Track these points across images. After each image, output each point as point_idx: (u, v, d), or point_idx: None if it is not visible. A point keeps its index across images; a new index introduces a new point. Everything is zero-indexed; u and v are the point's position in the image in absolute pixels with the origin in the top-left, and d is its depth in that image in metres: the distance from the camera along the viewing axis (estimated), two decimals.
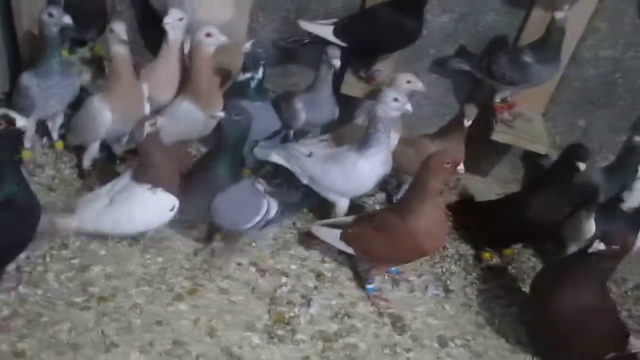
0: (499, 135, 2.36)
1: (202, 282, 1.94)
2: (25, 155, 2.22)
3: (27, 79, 2.02)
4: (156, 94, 2.20)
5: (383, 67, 2.52)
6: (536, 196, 2.11)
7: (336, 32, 2.31)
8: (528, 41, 2.32)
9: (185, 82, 2.18)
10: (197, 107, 2.14)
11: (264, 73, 2.22)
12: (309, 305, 1.95)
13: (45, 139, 2.31)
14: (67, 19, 1.94)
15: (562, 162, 2.11)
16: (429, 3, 2.40)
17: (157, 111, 2.22)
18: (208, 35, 2.08)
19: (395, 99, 1.93)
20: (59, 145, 2.28)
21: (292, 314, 1.91)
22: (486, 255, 2.31)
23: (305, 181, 2.20)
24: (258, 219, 1.96)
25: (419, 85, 2.16)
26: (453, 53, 2.50)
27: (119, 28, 1.95)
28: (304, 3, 2.53)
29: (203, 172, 1.87)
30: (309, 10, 2.54)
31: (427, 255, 2.09)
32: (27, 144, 2.21)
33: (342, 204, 2.19)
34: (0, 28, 2.25)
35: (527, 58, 2.21)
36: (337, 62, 2.19)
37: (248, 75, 2.19)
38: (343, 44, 2.30)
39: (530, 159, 2.65)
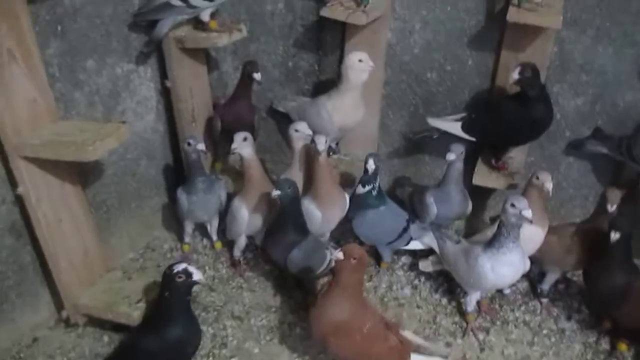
0: None
1: None
2: (185, 248, 2.58)
3: (179, 194, 2.39)
4: None
5: (515, 154, 2.51)
6: None
7: (464, 128, 2.37)
8: None
9: (307, 183, 2.39)
10: (316, 206, 2.32)
11: (379, 179, 2.32)
12: None
13: (205, 240, 2.64)
14: (202, 146, 2.29)
15: None
16: (561, 88, 2.41)
17: None
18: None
19: (512, 205, 1.92)
20: (218, 245, 2.59)
21: None
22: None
23: (447, 267, 2.28)
24: (322, 268, 2.21)
25: (547, 184, 2.11)
26: (590, 134, 2.42)
27: (239, 138, 2.24)
28: (431, 97, 2.63)
29: (278, 235, 2.20)
30: (436, 103, 2.63)
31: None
32: (186, 238, 2.56)
33: (472, 297, 2.21)
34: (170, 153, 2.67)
35: None
36: (451, 157, 2.28)
37: (368, 187, 2.30)
38: (472, 139, 2.35)
39: None
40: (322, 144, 2.22)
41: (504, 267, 2.04)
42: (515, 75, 2.14)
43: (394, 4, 2.49)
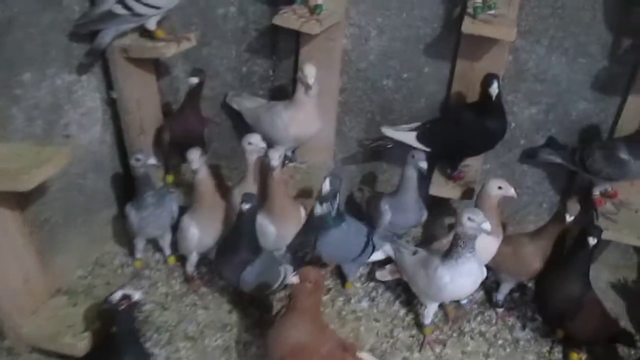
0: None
1: None
2: (137, 264, 2.49)
3: (128, 210, 2.30)
4: None
5: (471, 162, 2.50)
6: None
7: (419, 138, 2.34)
8: (627, 128, 2.22)
9: (262, 197, 2.30)
10: (271, 221, 2.27)
11: (338, 198, 2.20)
12: None
13: (158, 255, 2.55)
14: (153, 160, 2.20)
15: None
16: (515, 97, 2.41)
17: None
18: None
19: (470, 219, 1.91)
20: (171, 260, 2.50)
21: None
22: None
23: (405, 278, 2.26)
24: (276, 285, 2.19)
25: (510, 192, 2.11)
26: (544, 143, 2.43)
27: (194, 155, 2.15)
28: (387, 105, 2.59)
29: (229, 254, 2.13)
30: (393, 110, 2.60)
31: None
32: (137, 254, 2.47)
33: (430, 309, 2.20)
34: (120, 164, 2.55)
35: (623, 155, 2.09)
36: (424, 165, 2.23)
37: (326, 208, 2.17)
38: (427, 149, 2.33)
39: None
40: (275, 159, 2.16)
41: (462, 278, 2.03)
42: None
43: (349, 10, 2.43)
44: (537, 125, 2.44)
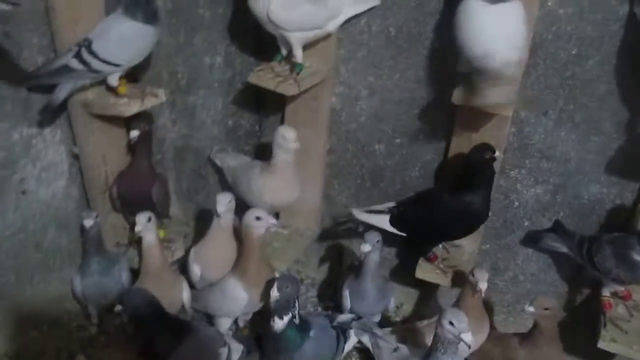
0: (607, 343, 1.88)
1: None
2: (92, 330, 2.31)
3: (73, 276, 2.15)
4: (209, 275, 2.18)
5: (465, 242, 2.21)
6: None
7: (392, 222, 2.08)
8: None
9: (237, 260, 2.12)
10: (242, 286, 2.06)
11: (298, 305, 1.86)
12: None
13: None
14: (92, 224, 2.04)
15: None
16: (519, 173, 2.13)
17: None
18: (258, 219, 2.00)
19: (451, 323, 1.64)
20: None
21: None
22: None
23: None
24: None
25: (482, 285, 1.84)
26: (550, 227, 2.12)
27: (141, 219, 1.96)
28: (378, 170, 2.36)
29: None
30: (384, 177, 2.36)
31: None
32: (93, 320, 2.29)
33: None
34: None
35: (637, 256, 1.78)
36: (365, 248, 1.99)
37: (287, 319, 1.81)
38: (402, 234, 2.07)
39: None
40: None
41: None
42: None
43: (338, 67, 2.22)
44: (542, 206, 2.14)
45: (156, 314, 1.80)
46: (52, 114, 2.02)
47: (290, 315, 1.80)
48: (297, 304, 1.82)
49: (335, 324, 2.05)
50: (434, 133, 2.19)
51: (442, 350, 1.69)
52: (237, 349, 1.99)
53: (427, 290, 2.41)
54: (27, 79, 1.91)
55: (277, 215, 2.47)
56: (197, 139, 2.59)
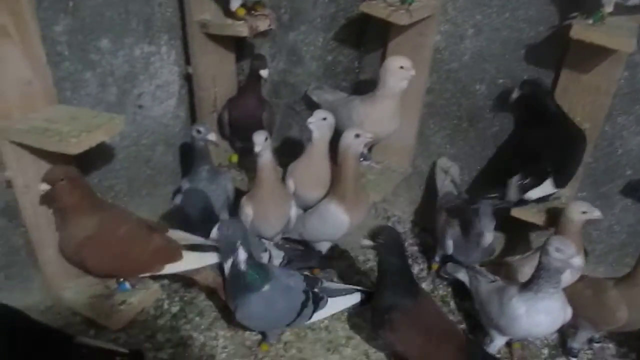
0: None
1: None
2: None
3: (183, 183, 2.22)
4: (301, 191, 2.25)
5: (563, 190, 2.20)
6: None
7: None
8: None
9: (334, 184, 2.18)
10: (343, 209, 2.12)
11: (248, 251, 1.77)
12: None
13: None
14: (212, 137, 2.10)
15: None
16: (627, 119, 2.09)
17: (304, 208, 2.29)
18: (357, 136, 2.04)
19: (558, 249, 1.65)
20: None
21: None
22: None
23: (477, 306, 2.04)
24: None
25: (595, 214, 1.84)
26: None
27: (259, 139, 2.02)
28: (477, 111, 2.35)
29: None
30: (482, 118, 2.36)
31: None
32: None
33: (497, 343, 1.95)
34: None
35: None
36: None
37: (230, 263, 1.77)
38: None
39: None
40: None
41: (540, 315, 1.77)
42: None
43: (445, 4, 2.22)
44: None
45: None
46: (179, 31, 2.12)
47: (232, 260, 1.76)
48: (242, 254, 1.75)
49: (315, 289, 1.93)
50: (540, 74, 2.17)
51: (545, 277, 1.71)
52: (278, 255, 2.10)
53: (516, 235, 2.42)
54: None
55: (369, 150, 2.52)
56: (295, 74, 2.65)
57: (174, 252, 1.90)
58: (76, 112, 1.73)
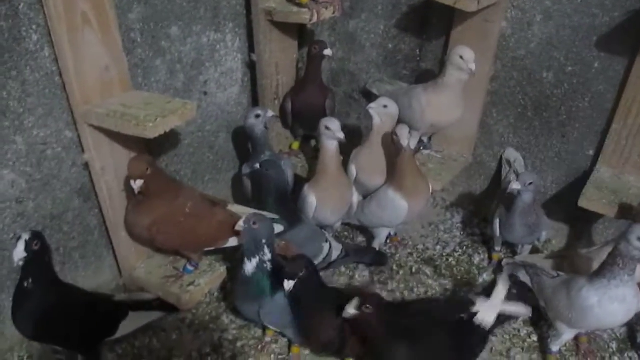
0: None
1: None
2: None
3: (243, 170, 2.25)
4: (363, 178, 2.27)
5: (632, 178, 2.13)
6: None
7: None
8: None
9: (391, 171, 2.18)
10: (401, 196, 2.13)
11: (271, 251, 1.74)
12: None
13: None
14: (271, 113, 2.13)
15: None
16: None
17: (364, 195, 2.31)
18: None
19: (639, 239, 1.60)
20: None
21: None
22: None
23: (542, 303, 1.97)
24: (320, 259, 2.07)
25: None
26: None
27: (334, 126, 2.05)
28: (543, 100, 2.30)
29: None
30: (548, 107, 2.30)
31: None
32: None
33: (565, 337, 1.90)
34: None
35: None
36: (515, 186, 2.03)
37: (255, 263, 1.72)
38: None
39: None
40: (405, 137, 1.99)
41: (614, 304, 1.71)
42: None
43: None
44: None
45: None
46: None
47: (257, 258, 1.73)
48: (268, 252, 1.72)
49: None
50: (612, 62, 2.10)
51: (621, 265, 1.66)
52: (337, 247, 2.14)
53: (580, 227, 2.36)
54: None
55: (429, 139, 2.50)
56: (354, 63, 2.65)
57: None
58: (150, 97, 1.78)
